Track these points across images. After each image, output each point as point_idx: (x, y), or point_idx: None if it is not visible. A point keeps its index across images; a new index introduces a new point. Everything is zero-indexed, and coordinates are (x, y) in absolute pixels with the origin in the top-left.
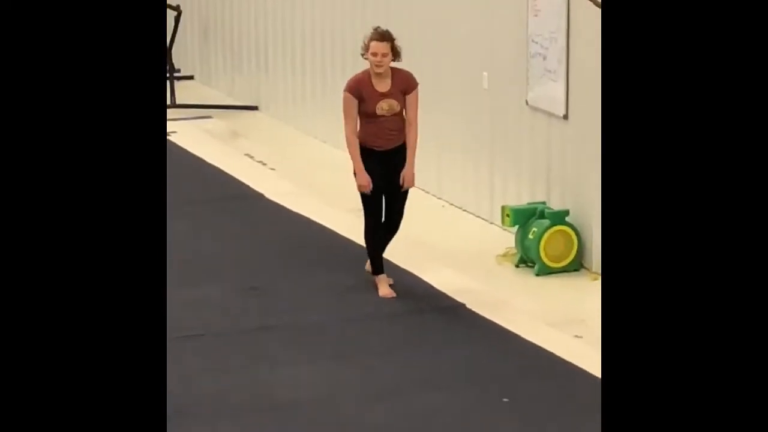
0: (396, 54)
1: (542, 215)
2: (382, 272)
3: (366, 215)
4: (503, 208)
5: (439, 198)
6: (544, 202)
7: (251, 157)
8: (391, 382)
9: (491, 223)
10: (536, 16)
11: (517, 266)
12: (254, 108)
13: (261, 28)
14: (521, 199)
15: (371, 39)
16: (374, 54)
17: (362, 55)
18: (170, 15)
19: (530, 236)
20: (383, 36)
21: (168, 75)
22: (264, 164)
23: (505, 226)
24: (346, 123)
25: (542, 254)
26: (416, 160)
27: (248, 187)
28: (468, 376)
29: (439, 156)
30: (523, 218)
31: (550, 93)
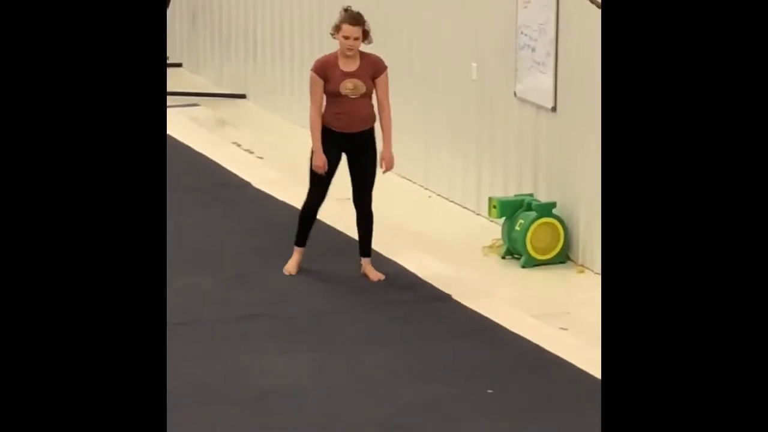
0: (366, 37)
1: (529, 207)
2: (303, 246)
3: (309, 192)
4: (490, 199)
5: (426, 188)
6: (531, 194)
7: (238, 146)
8: (377, 373)
9: (478, 214)
10: (525, 7)
11: (503, 258)
12: (242, 96)
13: (250, 17)
14: (508, 190)
15: (343, 21)
16: (346, 37)
17: (332, 35)
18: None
19: (517, 228)
20: (356, 20)
21: None
22: (251, 153)
23: (492, 218)
24: (311, 103)
25: (529, 246)
26: (403, 150)
27: (235, 175)
28: (453, 368)
29: (427, 146)
30: (510, 210)
31: (539, 85)
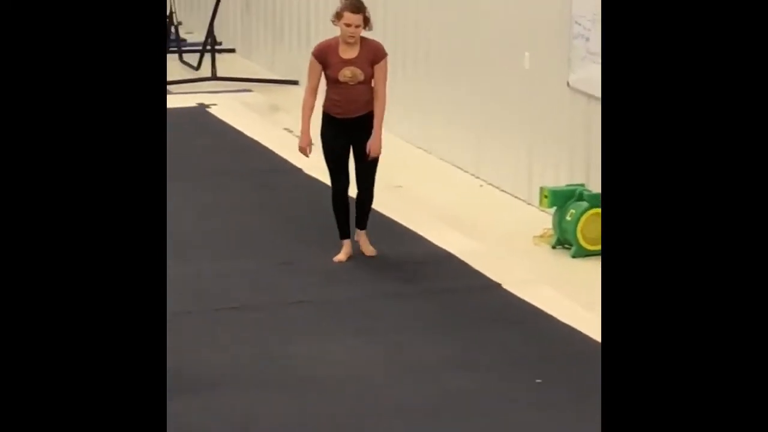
0: (367, 24)
1: (581, 197)
2: (346, 237)
3: (331, 181)
4: (541, 189)
5: (477, 177)
6: (582, 185)
7: (290, 132)
8: (424, 360)
9: (529, 204)
10: None
11: (553, 248)
12: (294, 82)
13: (303, 3)
14: (560, 180)
15: (344, 9)
16: (348, 24)
17: (333, 22)
18: None
19: (568, 218)
20: (357, 7)
21: (210, 47)
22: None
23: (543, 208)
24: (307, 85)
25: (579, 236)
26: (455, 138)
27: (286, 161)
28: (501, 357)
29: (479, 135)
30: (561, 200)
31: (592, 75)
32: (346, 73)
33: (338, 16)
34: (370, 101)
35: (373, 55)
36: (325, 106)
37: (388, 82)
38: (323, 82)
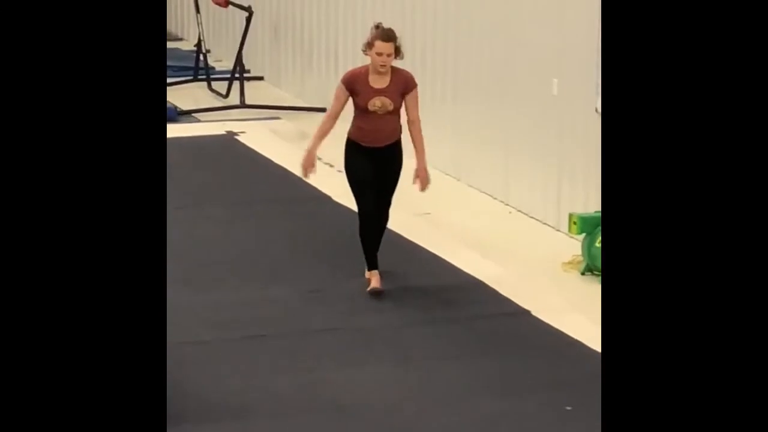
0: (398, 53)
1: None
2: (374, 268)
3: (358, 206)
4: (570, 215)
5: (506, 204)
6: None
7: (319, 159)
8: (455, 387)
9: (558, 230)
10: None
11: (583, 274)
12: (323, 110)
13: (332, 30)
14: (589, 207)
15: (376, 38)
16: (379, 54)
17: (364, 51)
18: (241, 15)
19: (597, 244)
20: (389, 36)
21: (238, 75)
22: (332, 166)
23: (572, 234)
24: (329, 110)
25: None
26: (483, 164)
27: (315, 188)
28: (531, 383)
29: (507, 161)
30: (590, 226)
31: None
32: (376, 103)
33: (369, 45)
34: (397, 130)
35: (404, 86)
36: (351, 134)
37: (420, 113)
38: (348, 109)
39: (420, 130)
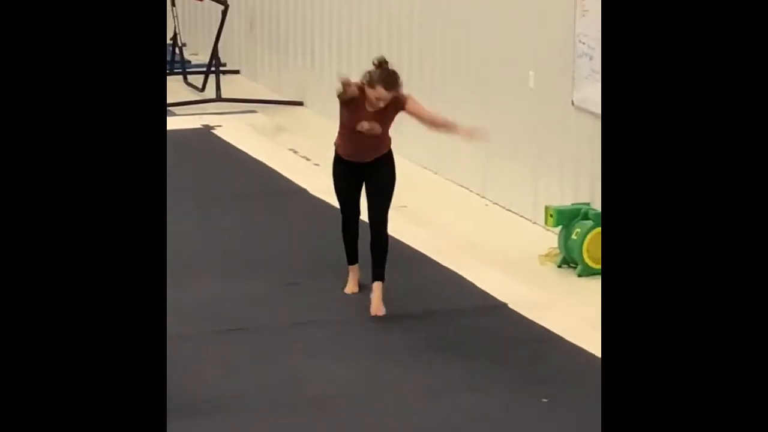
0: (398, 102)
1: (586, 216)
2: (355, 262)
3: (341, 211)
4: (547, 208)
5: (483, 197)
6: (588, 203)
7: (295, 152)
8: (433, 380)
9: (534, 223)
10: (584, 16)
11: (559, 267)
12: (299, 103)
13: (307, 24)
14: (565, 199)
15: (379, 82)
16: (378, 98)
17: (363, 83)
18: (217, 9)
19: (573, 237)
20: (392, 85)
21: (214, 69)
22: (308, 159)
23: (549, 227)
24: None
25: (585, 255)
26: (460, 158)
27: (292, 182)
28: (508, 376)
29: (484, 155)
30: (566, 219)
31: (597, 93)
32: (364, 125)
33: (370, 83)
34: (385, 144)
35: (395, 106)
36: (337, 147)
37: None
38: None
39: (436, 116)
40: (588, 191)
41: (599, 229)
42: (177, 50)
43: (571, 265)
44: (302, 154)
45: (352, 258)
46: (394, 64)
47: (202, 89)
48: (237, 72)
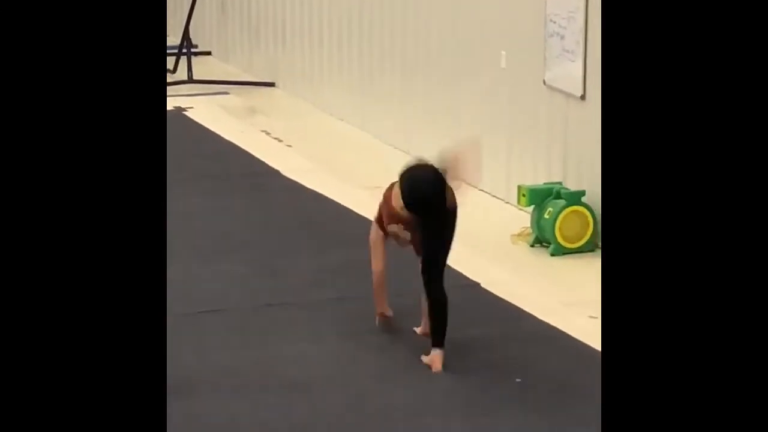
0: None
1: (558, 195)
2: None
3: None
4: (519, 187)
5: None
6: (560, 183)
7: (268, 134)
8: (406, 360)
9: (507, 202)
10: None
11: (532, 246)
12: (271, 84)
13: (278, 4)
14: (537, 178)
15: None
16: (395, 235)
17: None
18: None
19: (546, 216)
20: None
21: (185, 51)
22: (280, 141)
23: (521, 206)
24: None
25: (557, 234)
26: (432, 138)
27: (264, 163)
28: (481, 356)
29: (456, 135)
30: (539, 198)
31: (568, 73)
32: (393, 228)
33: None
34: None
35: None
36: (378, 221)
37: (366, 84)
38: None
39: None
40: (560, 170)
41: (571, 208)
42: None
43: (544, 244)
44: (274, 136)
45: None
46: (365, 44)
47: (174, 71)
48: (208, 53)
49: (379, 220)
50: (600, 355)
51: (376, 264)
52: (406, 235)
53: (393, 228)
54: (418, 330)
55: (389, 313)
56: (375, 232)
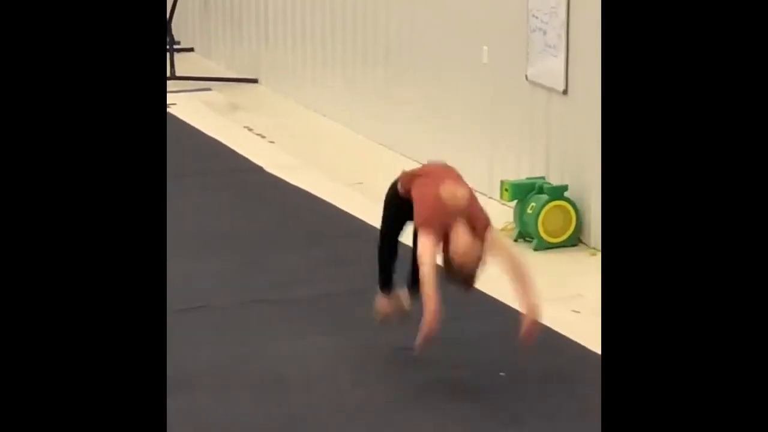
0: None
1: (541, 190)
2: (385, 291)
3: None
4: (502, 182)
5: None
6: (543, 177)
7: (251, 130)
8: (390, 355)
9: (490, 197)
10: None
11: (515, 241)
12: (254, 81)
13: (261, 1)
14: (520, 173)
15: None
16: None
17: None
18: None
19: (529, 211)
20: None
21: (168, 47)
22: (263, 137)
23: (504, 201)
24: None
25: (540, 229)
26: (415, 133)
27: (247, 159)
28: (465, 350)
29: (439, 130)
30: (521, 193)
31: (550, 68)
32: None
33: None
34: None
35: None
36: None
37: (349, 80)
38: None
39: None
40: (543, 165)
41: (554, 202)
42: None
43: (527, 239)
44: (257, 132)
45: (384, 286)
46: (348, 39)
47: None
48: (191, 50)
49: (432, 226)
50: (582, 348)
51: (432, 301)
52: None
53: (460, 230)
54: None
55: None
56: (429, 249)
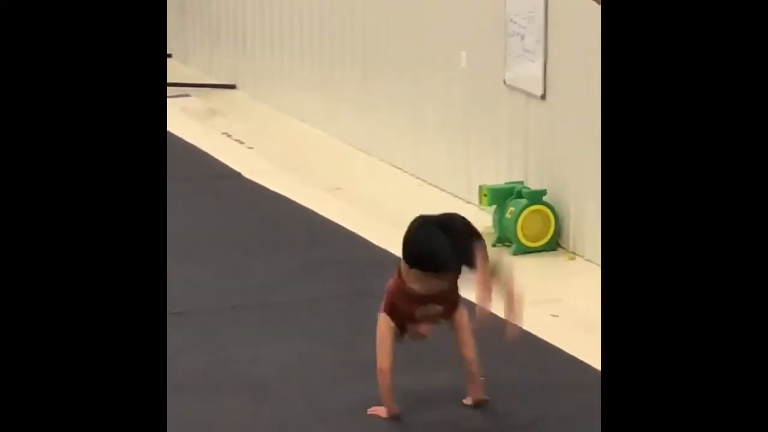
0: None
1: (519, 195)
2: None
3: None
4: (480, 187)
5: (417, 177)
6: (521, 182)
7: (229, 136)
8: (366, 361)
9: (468, 202)
10: None
11: (494, 245)
12: (232, 86)
13: (239, 6)
14: (499, 178)
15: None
16: (423, 319)
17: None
18: None
19: (507, 216)
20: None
21: None
22: (242, 143)
23: (483, 206)
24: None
25: (519, 234)
26: (394, 138)
27: (225, 165)
28: (444, 356)
29: (417, 135)
30: (500, 198)
31: (528, 72)
32: (423, 311)
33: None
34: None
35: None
36: (388, 310)
37: (327, 85)
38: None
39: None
40: (521, 169)
41: (533, 207)
42: None
43: (506, 244)
44: (236, 138)
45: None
46: (326, 44)
47: None
48: (168, 56)
49: (390, 308)
50: (561, 353)
51: (383, 361)
52: (437, 312)
53: (423, 311)
54: (467, 401)
55: (398, 410)
56: (384, 324)
